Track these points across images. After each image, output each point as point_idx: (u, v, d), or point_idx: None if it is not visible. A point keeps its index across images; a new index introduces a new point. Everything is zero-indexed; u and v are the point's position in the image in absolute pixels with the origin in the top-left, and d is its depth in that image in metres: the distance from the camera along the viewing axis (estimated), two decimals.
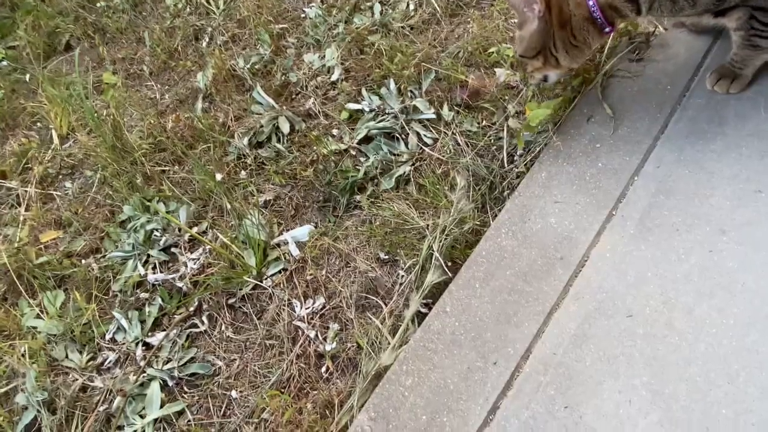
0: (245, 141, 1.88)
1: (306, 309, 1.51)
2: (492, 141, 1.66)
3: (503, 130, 1.66)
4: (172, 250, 1.73)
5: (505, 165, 1.59)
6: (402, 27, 2.04)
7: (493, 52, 1.84)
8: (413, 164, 1.69)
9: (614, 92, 1.57)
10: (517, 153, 1.61)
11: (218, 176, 1.81)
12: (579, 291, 1.23)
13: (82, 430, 1.43)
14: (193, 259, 1.68)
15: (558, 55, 1.40)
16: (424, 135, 1.73)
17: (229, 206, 1.71)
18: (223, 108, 2.04)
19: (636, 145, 1.43)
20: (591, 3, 1.32)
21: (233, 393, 1.42)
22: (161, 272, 1.68)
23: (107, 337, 1.60)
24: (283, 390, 1.39)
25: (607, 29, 1.38)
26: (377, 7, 2.14)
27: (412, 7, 2.11)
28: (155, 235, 1.76)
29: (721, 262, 1.19)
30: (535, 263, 1.30)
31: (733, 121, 1.39)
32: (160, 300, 1.62)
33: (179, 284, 1.63)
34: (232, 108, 2.02)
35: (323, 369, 1.41)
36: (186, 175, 1.88)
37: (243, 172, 1.84)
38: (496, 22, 1.92)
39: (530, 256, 1.32)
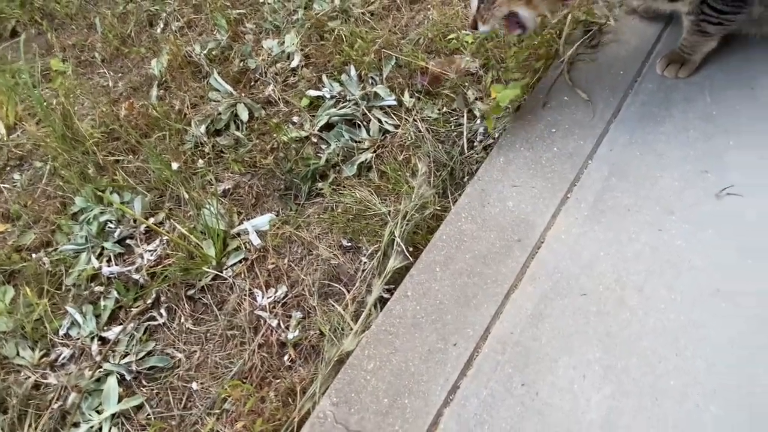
0: (203, 129, 1.83)
1: (268, 298, 1.50)
2: (452, 127, 1.67)
3: (463, 116, 1.67)
4: (128, 241, 1.68)
5: (465, 151, 1.61)
6: (362, 13, 2.03)
7: (453, 39, 1.85)
8: (375, 151, 1.68)
9: (571, 78, 1.59)
10: (477, 139, 1.63)
11: (174, 165, 1.76)
12: (535, 272, 1.26)
13: (36, 428, 1.38)
14: (150, 251, 1.64)
15: None
16: (386, 122, 1.73)
17: (186, 196, 1.67)
18: (179, 95, 1.98)
19: (590, 130, 1.46)
20: None
21: (194, 385, 1.40)
22: (116, 265, 1.63)
23: (61, 332, 1.54)
24: (245, 380, 1.37)
25: None
26: None
27: None
28: (109, 227, 1.70)
29: (670, 241, 1.23)
30: (493, 246, 1.32)
31: (682, 104, 1.44)
32: (115, 293, 1.57)
33: (136, 276, 1.59)
34: (188, 95, 1.96)
35: (286, 357, 1.40)
36: (141, 164, 1.83)
37: (201, 161, 1.79)
38: (455, 8, 1.93)
39: (489, 239, 1.34)
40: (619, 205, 1.31)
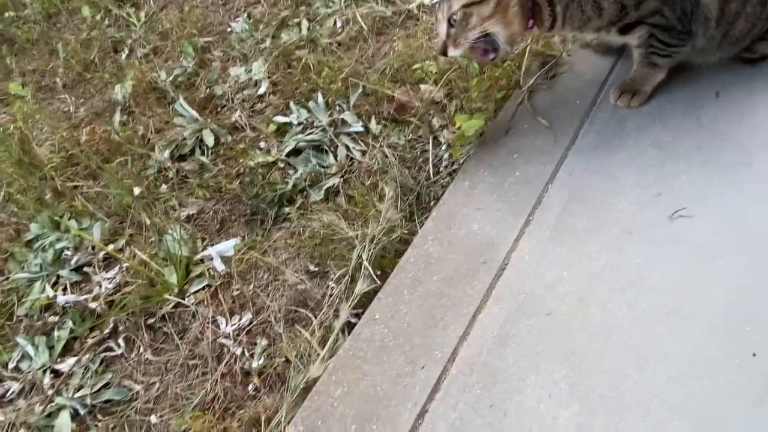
0: (166, 154, 1.81)
1: (232, 326, 1.46)
2: (418, 153, 1.71)
3: (429, 142, 1.71)
4: (85, 269, 1.62)
5: (431, 176, 1.64)
6: (330, 43, 2.07)
7: (417, 69, 1.90)
8: (342, 176, 1.69)
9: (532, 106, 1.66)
10: (442, 164, 1.66)
11: (136, 190, 1.73)
12: (501, 293, 1.28)
13: None
14: (109, 279, 1.58)
15: (509, 6, 1.34)
16: (353, 147, 1.75)
17: (148, 221, 1.63)
18: (143, 121, 1.96)
19: (549, 156, 1.51)
20: None
21: (152, 418, 1.34)
22: (72, 293, 1.57)
23: (10, 366, 1.46)
24: (207, 411, 1.32)
25: (529, 23, 1.40)
26: (305, 24, 2.15)
27: (339, 24, 2.14)
28: (66, 254, 1.64)
29: (629, 260, 1.27)
30: (460, 268, 1.34)
31: (635, 133, 1.52)
32: (70, 323, 1.50)
33: (92, 305, 1.53)
34: (152, 121, 1.94)
35: (250, 386, 1.36)
36: (101, 189, 1.78)
37: (164, 186, 1.76)
38: (420, 41, 1.99)
39: (456, 261, 1.35)
40: (580, 228, 1.35)
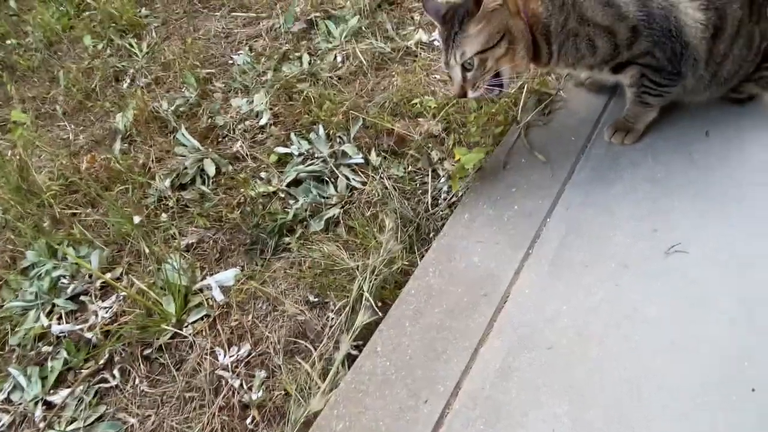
0: (167, 183, 1.82)
1: (230, 357, 1.45)
2: (418, 185, 1.73)
3: (428, 175, 1.74)
4: (81, 298, 1.60)
5: (431, 208, 1.66)
6: (330, 77, 2.12)
7: (416, 103, 1.95)
8: (342, 207, 1.71)
9: (529, 142, 1.70)
10: (441, 196, 1.69)
11: (136, 219, 1.73)
12: (502, 326, 1.28)
13: None
14: (105, 308, 1.57)
15: (518, 45, 1.41)
16: (353, 179, 1.77)
17: (147, 250, 1.63)
18: (144, 149, 1.97)
19: (547, 190, 1.54)
20: (523, 13, 1.41)
21: None
22: (68, 323, 1.55)
23: (1, 397, 1.43)
24: None
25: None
26: (306, 58, 2.20)
27: (339, 59, 2.20)
28: (62, 283, 1.62)
29: (625, 294, 1.29)
30: (461, 300, 1.35)
31: (629, 168, 1.56)
32: (65, 353, 1.48)
33: (88, 335, 1.51)
34: (153, 149, 1.96)
35: (248, 420, 1.34)
36: (100, 217, 1.78)
37: (164, 215, 1.76)
38: (418, 76, 2.04)
39: (457, 294, 1.36)
40: (577, 261, 1.38)
